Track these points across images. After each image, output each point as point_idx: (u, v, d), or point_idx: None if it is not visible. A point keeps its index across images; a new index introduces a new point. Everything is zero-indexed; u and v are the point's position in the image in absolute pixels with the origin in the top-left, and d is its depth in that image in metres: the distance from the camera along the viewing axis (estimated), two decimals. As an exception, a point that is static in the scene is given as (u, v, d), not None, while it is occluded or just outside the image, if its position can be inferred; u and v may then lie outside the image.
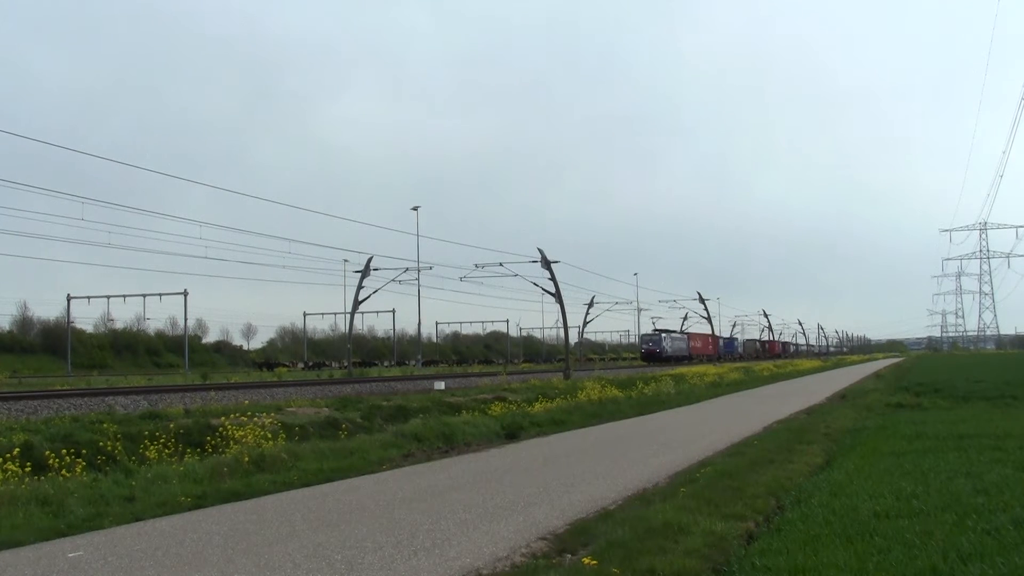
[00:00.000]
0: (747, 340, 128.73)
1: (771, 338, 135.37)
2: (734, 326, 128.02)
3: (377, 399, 23.08)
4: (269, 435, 14.37)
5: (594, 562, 6.69)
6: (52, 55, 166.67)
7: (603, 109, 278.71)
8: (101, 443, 12.82)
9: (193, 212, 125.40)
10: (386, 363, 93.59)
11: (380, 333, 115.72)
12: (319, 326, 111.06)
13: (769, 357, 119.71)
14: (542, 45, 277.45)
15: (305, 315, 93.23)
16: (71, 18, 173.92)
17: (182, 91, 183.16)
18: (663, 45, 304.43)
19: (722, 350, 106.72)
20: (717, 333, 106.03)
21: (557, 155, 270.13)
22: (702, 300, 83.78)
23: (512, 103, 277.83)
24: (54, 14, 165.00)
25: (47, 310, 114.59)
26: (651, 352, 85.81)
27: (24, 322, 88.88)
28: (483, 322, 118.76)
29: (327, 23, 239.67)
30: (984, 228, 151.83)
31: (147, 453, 13.01)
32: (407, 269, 49.37)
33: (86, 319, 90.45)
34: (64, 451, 11.83)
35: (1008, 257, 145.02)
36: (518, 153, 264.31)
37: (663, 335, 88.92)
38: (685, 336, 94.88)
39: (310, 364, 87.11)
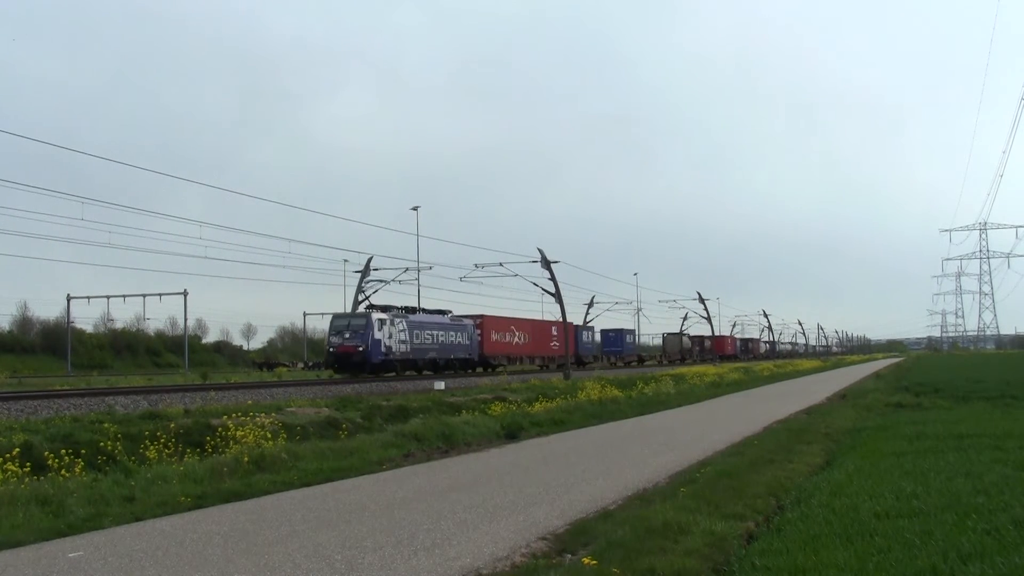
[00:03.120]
0: (668, 334, 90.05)
1: (771, 337, 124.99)
2: (734, 326, 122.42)
3: (377, 399, 23.09)
4: (269, 435, 14.37)
5: (594, 562, 6.69)
6: (47, 55, 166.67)
7: (601, 108, 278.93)
8: (101, 443, 12.83)
9: (190, 212, 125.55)
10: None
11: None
12: (319, 326, 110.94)
13: (720, 359, 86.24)
14: (539, 44, 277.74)
15: (305, 315, 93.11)
16: (66, 18, 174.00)
17: (178, 91, 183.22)
18: (660, 44, 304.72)
19: (588, 348, 66.09)
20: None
21: (555, 155, 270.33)
22: (702, 300, 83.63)
23: (509, 102, 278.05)
24: (49, 14, 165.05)
25: (47, 310, 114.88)
26: (346, 353, 38.30)
27: (24, 322, 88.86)
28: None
29: (323, 23, 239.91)
30: (984, 228, 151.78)
31: (147, 453, 13.02)
32: (407, 269, 49.18)
33: (86, 319, 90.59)
34: (64, 451, 11.82)
35: (1008, 257, 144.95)
36: (516, 152, 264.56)
37: (375, 319, 39.20)
38: (469, 324, 47.23)
39: (310, 364, 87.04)
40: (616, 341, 75.43)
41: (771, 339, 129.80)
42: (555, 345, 57.71)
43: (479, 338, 47.96)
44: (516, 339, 53.79)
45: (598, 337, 71.97)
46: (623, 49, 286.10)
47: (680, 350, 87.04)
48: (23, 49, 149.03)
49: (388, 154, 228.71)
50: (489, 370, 49.08)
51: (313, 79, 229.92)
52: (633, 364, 73.11)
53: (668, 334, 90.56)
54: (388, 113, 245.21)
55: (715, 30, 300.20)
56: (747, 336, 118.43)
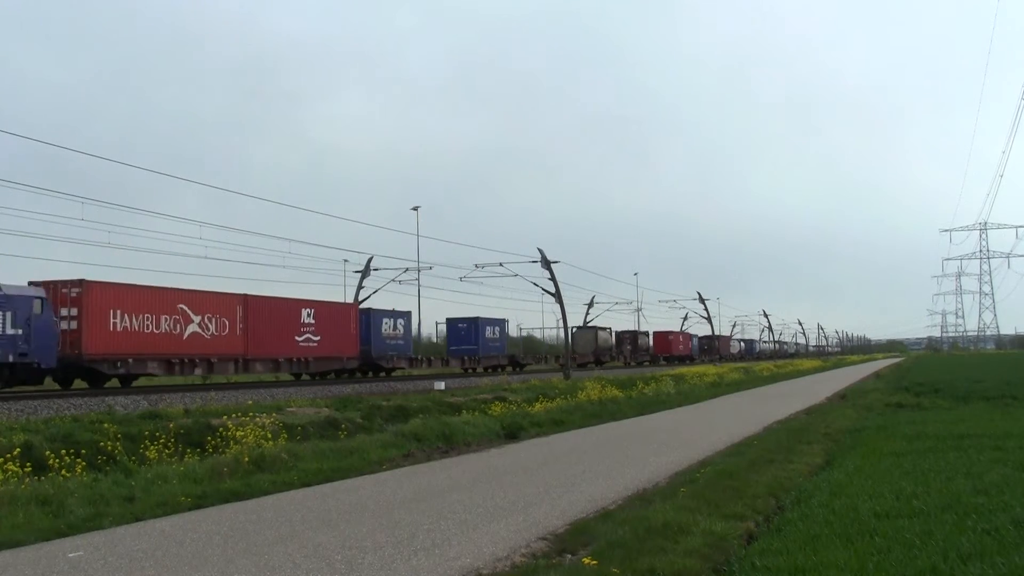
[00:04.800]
0: (579, 328, 65.23)
1: (771, 336, 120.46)
2: (734, 326, 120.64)
3: (377, 399, 23.09)
4: (269, 435, 14.37)
5: (594, 562, 6.69)
6: (45, 55, 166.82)
7: (600, 108, 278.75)
8: (101, 443, 12.82)
9: (188, 212, 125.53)
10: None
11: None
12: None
13: (664, 360, 73.23)
14: (538, 45, 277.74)
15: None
16: (63, 18, 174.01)
17: (177, 91, 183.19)
18: (659, 44, 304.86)
19: (398, 346, 43.24)
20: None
21: (555, 155, 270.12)
22: (702, 300, 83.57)
23: (509, 103, 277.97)
24: (46, 13, 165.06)
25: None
26: None
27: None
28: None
29: (321, 23, 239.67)
30: (984, 228, 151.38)
31: (147, 453, 13.01)
32: (407, 269, 49.01)
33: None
34: (64, 451, 11.82)
35: (1008, 257, 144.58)
36: (516, 152, 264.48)
37: None
38: (23, 298, 23.03)
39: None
40: (468, 336, 50.35)
41: (772, 338, 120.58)
42: (310, 341, 35.46)
43: (66, 327, 25.35)
44: (199, 328, 29.79)
45: (441, 329, 51.83)
46: (622, 49, 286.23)
47: (595, 350, 64.78)
48: (23, 49, 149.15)
49: (388, 154, 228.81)
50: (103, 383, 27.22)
51: (312, 79, 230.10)
52: (498, 371, 48.53)
53: (579, 328, 65.14)
54: (388, 113, 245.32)
55: (714, 30, 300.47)
56: (713, 334, 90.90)
